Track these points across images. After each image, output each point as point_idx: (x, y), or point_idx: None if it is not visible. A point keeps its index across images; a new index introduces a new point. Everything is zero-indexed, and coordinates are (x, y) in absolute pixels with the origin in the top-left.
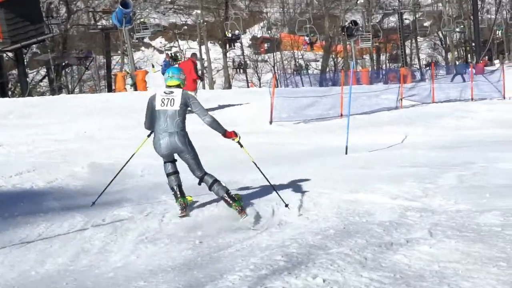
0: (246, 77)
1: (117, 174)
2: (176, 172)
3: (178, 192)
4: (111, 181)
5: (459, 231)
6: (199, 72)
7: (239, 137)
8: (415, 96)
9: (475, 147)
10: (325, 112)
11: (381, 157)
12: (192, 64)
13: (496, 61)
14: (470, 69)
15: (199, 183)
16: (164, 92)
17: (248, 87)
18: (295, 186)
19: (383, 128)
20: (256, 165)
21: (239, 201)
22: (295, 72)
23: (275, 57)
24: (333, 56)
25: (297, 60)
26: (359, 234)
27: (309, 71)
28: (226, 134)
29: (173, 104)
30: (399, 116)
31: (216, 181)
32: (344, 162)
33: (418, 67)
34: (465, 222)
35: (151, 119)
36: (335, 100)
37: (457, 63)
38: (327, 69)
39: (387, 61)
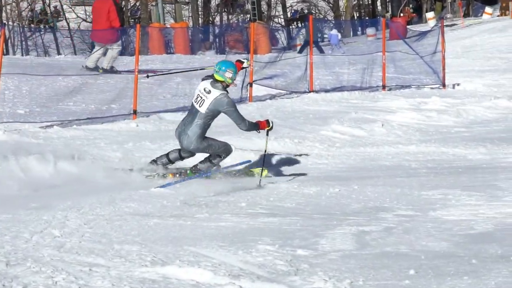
0: None
1: None
2: (170, 162)
3: (156, 160)
4: None
5: None
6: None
7: (271, 126)
8: (277, 78)
9: (388, 180)
10: (104, 107)
11: (209, 194)
12: (112, 2)
13: (430, 15)
14: (381, 28)
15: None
16: (204, 89)
17: None
18: (37, 254)
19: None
20: (263, 157)
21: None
22: (35, 25)
23: None
24: None
25: (46, 3)
26: None
27: (68, 22)
28: (259, 128)
29: (201, 105)
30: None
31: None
32: (139, 203)
33: (284, 23)
34: None
35: None
36: (121, 83)
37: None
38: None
39: (222, 10)
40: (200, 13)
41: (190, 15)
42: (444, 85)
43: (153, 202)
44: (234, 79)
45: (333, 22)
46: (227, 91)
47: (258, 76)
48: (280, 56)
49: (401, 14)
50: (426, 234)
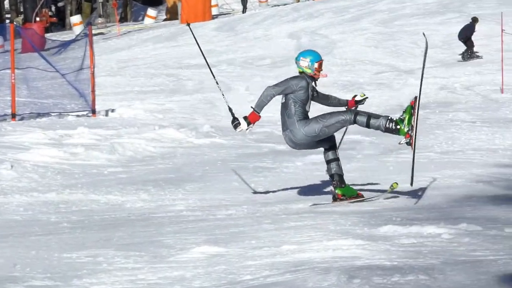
0: None
1: None
2: (334, 160)
3: (336, 182)
4: None
5: None
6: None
7: (245, 125)
8: None
9: (20, 239)
10: None
11: None
12: None
13: (76, 19)
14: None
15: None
16: None
17: None
18: None
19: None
20: None
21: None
22: None
23: None
24: None
25: None
26: None
27: None
28: (248, 118)
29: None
30: None
31: (370, 117)
32: None
33: None
34: None
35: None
36: None
37: None
38: None
39: None
40: None
41: None
42: (94, 112)
43: None
44: (314, 68)
45: None
46: (307, 81)
47: None
48: None
49: (38, 19)
50: None
